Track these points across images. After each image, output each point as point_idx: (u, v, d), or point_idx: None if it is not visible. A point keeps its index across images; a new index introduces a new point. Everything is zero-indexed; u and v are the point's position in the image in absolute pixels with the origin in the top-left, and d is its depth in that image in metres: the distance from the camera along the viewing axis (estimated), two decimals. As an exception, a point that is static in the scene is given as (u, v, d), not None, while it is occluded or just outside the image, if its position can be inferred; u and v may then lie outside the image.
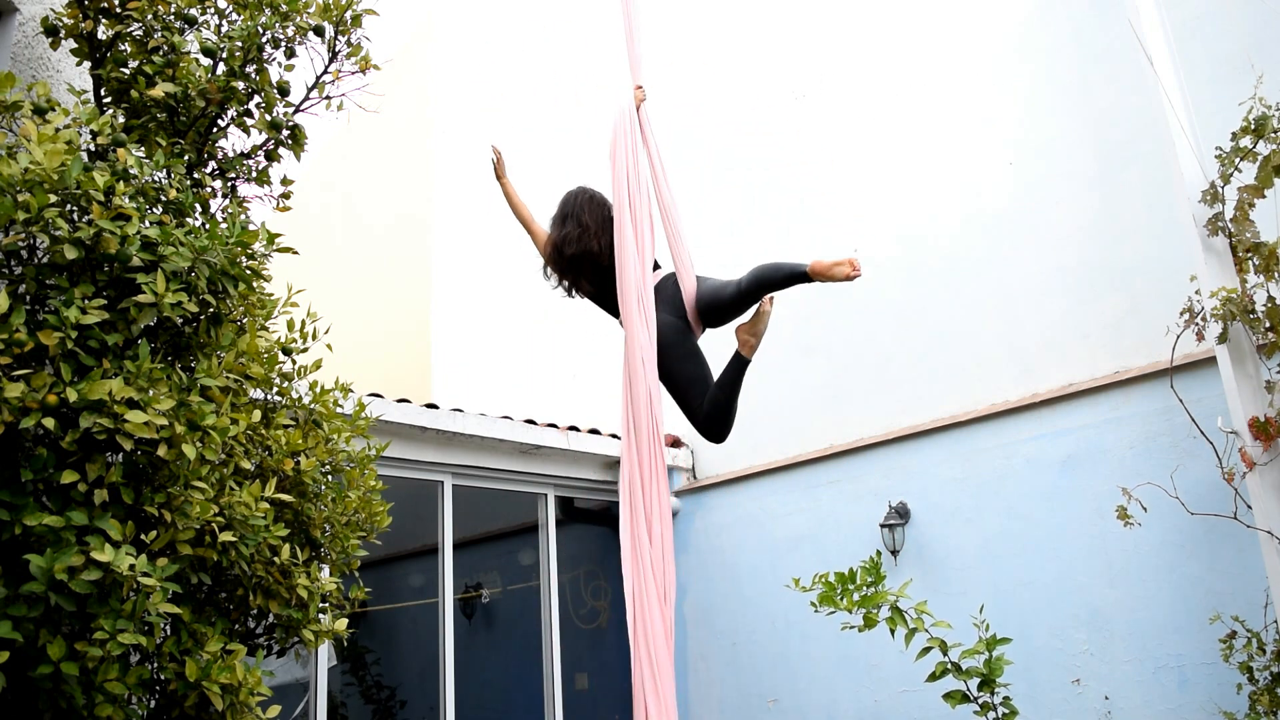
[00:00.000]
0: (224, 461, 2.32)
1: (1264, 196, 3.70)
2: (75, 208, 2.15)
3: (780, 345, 6.07)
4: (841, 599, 3.25)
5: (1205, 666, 4.05)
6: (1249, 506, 3.74)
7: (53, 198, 2.06)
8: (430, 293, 9.38)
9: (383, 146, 10.45)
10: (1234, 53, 4.30)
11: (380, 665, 7.23)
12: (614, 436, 6.32)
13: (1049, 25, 5.09)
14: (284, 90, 2.90)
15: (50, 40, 2.79)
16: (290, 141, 2.97)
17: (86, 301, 2.08)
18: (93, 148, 2.50)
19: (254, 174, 2.95)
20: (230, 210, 2.73)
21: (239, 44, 2.78)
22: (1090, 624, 4.44)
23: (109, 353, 2.13)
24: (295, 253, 2.73)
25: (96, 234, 2.10)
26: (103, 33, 2.77)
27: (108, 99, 2.78)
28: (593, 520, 6.62)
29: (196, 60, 2.76)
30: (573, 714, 5.75)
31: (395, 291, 10.09)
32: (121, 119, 2.72)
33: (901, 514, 5.14)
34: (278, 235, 2.62)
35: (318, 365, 2.94)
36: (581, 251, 3.82)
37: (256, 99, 2.87)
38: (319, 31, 2.93)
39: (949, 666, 3.20)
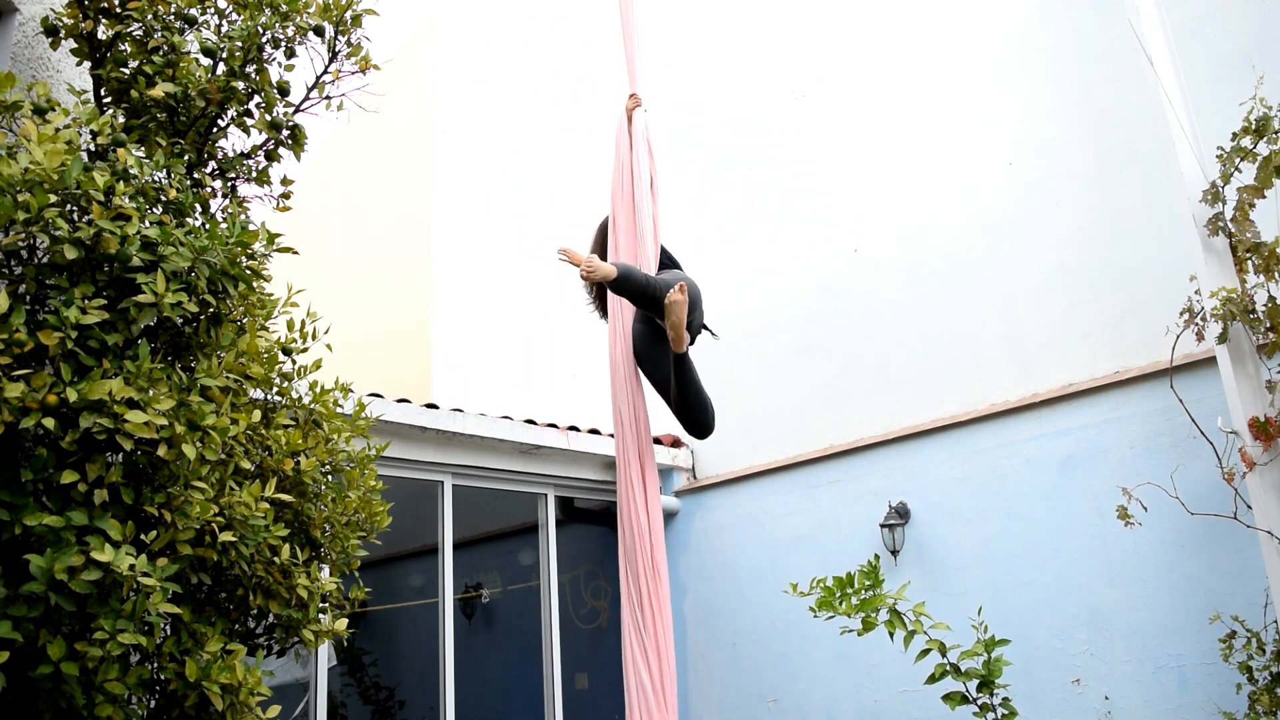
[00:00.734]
0: (224, 461, 2.32)
1: (1264, 196, 3.70)
2: (75, 208, 2.15)
3: (780, 345, 6.08)
4: (840, 603, 3.24)
5: (1205, 666, 4.05)
6: (1249, 506, 3.74)
7: (53, 198, 2.06)
8: (430, 293, 9.38)
9: (383, 146, 10.45)
10: (1234, 53, 4.30)
11: (380, 665, 7.23)
12: (614, 436, 6.31)
13: (1049, 25, 5.09)
14: (284, 90, 2.90)
15: (50, 40, 2.79)
16: (290, 141, 2.97)
17: (86, 301, 2.08)
18: (93, 148, 2.50)
19: (254, 174, 2.95)
20: (230, 210, 2.73)
21: (239, 44, 2.78)
22: (1090, 624, 4.44)
23: (109, 353, 2.13)
24: (295, 253, 2.73)
25: (96, 234, 2.10)
26: (103, 33, 2.77)
27: (108, 99, 2.78)
28: (593, 520, 6.62)
29: (196, 60, 2.76)
30: (573, 714, 5.75)
31: (395, 291, 10.09)
32: (121, 119, 2.72)
33: (901, 514, 5.14)
34: (278, 235, 2.62)
35: (318, 365, 2.94)
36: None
37: (256, 99, 2.87)
38: (319, 31, 2.93)
39: (948, 668, 3.20)
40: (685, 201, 6.42)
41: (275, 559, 2.45)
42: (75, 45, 2.80)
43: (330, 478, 2.89)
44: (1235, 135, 3.72)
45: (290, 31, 2.87)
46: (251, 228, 2.63)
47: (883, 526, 5.13)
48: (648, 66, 6.95)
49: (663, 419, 6.56)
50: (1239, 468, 3.75)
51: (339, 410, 2.98)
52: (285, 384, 2.81)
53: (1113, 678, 4.33)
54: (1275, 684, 3.54)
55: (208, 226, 2.47)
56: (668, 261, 4.24)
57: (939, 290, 5.33)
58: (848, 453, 5.51)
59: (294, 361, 2.89)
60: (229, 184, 2.91)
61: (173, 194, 2.39)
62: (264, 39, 2.82)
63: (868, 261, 5.68)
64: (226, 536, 2.21)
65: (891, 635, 3.21)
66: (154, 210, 2.38)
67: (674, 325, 3.54)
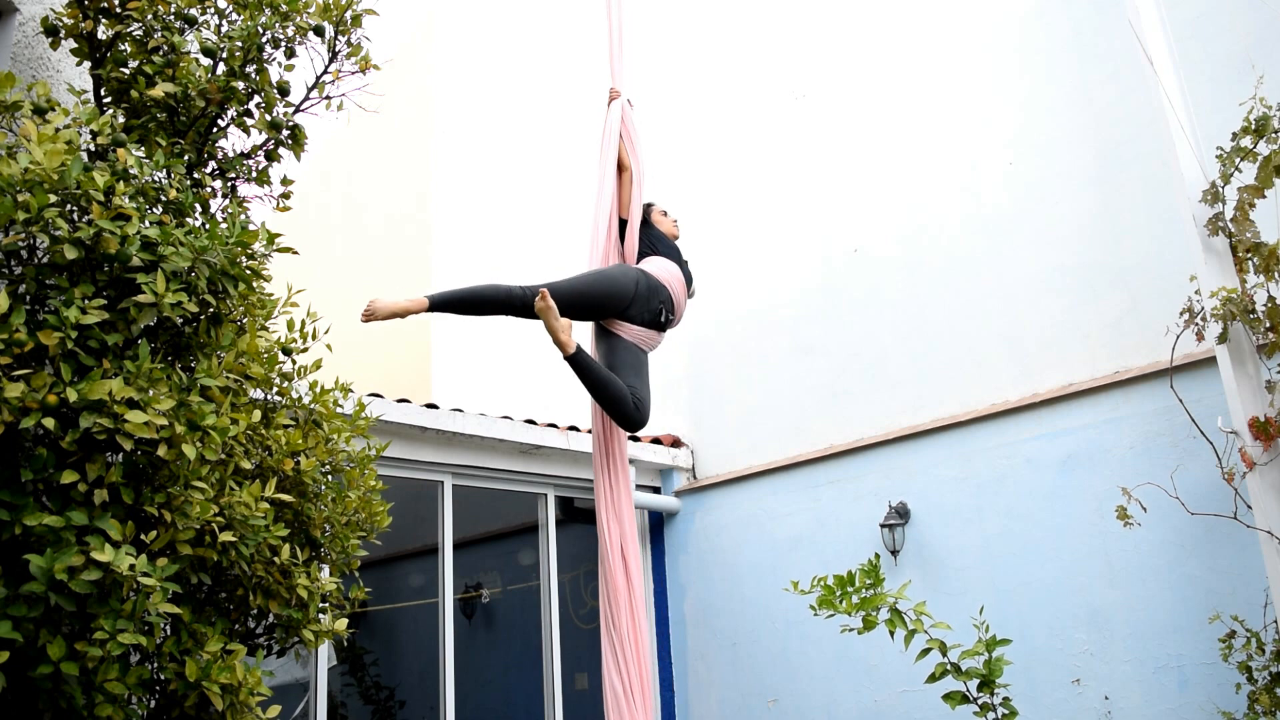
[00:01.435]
0: (224, 461, 2.32)
1: (1264, 196, 3.69)
2: (75, 208, 2.15)
3: (780, 345, 6.08)
4: (840, 602, 3.25)
5: (1205, 666, 4.05)
6: (1249, 506, 3.74)
7: (53, 198, 2.06)
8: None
9: (383, 146, 10.45)
10: (1234, 53, 4.30)
11: (380, 665, 7.23)
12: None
13: (1049, 25, 5.09)
14: (284, 90, 2.90)
15: (50, 40, 2.79)
16: (290, 141, 2.98)
17: (86, 301, 2.08)
18: (93, 148, 2.51)
19: (254, 174, 2.95)
20: (230, 210, 2.72)
21: (239, 44, 2.78)
22: (1090, 624, 4.44)
23: (109, 353, 2.13)
24: (295, 253, 2.74)
25: (96, 234, 2.10)
26: (103, 33, 2.77)
27: (108, 99, 2.78)
28: (593, 520, 6.61)
29: (196, 60, 2.76)
30: (573, 714, 5.75)
31: (395, 291, 10.06)
32: (121, 119, 2.72)
33: (901, 514, 5.15)
34: (278, 235, 2.62)
35: (318, 365, 2.94)
36: None
37: (256, 99, 2.87)
38: (319, 31, 2.93)
39: (948, 667, 3.20)
40: (685, 201, 6.41)
41: (275, 559, 2.45)
42: (75, 45, 2.80)
43: (330, 478, 2.89)
44: (1235, 135, 3.72)
45: (290, 31, 2.87)
46: (251, 228, 2.63)
47: (883, 526, 5.13)
48: (647, 67, 6.95)
49: (663, 419, 6.57)
50: (1239, 468, 3.75)
51: (339, 410, 2.98)
52: (285, 384, 2.82)
53: (1113, 678, 4.33)
54: (1275, 684, 3.54)
55: (208, 226, 2.47)
56: (666, 251, 4.29)
57: (939, 290, 5.33)
58: (848, 452, 5.51)
59: (294, 361, 2.89)
60: (229, 184, 2.91)
61: (173, 194, 2.39)
62: (264, 39, 2.82)
63: (868, 261, 5.68)
64: (226, 536, 2.21)
65: (892, 634, 3.21)
66: (154, 210, 2.38)
67: (550, 330, 3.69)
